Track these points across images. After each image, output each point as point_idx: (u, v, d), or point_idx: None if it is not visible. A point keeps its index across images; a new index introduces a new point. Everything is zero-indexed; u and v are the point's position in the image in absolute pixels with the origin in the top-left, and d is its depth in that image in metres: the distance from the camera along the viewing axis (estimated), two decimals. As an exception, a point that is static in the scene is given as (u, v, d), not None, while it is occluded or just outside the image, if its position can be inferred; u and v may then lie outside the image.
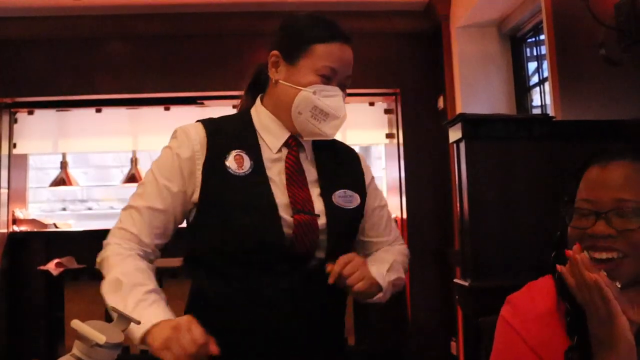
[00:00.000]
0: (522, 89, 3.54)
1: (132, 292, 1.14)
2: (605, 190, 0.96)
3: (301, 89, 1.29)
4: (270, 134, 1.36)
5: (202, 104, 4.03)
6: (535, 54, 3.48)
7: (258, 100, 1.41)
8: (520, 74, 3.56)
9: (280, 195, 1.30)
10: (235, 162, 1.29)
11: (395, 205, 4.06)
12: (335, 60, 1.30)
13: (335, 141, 1.47)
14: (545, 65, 3.05)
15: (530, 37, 3.46)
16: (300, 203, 1.30)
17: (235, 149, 1.31)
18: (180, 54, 3.83)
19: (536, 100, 3.44)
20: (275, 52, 1.35)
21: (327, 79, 1.29)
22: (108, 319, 0.79)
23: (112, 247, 1.24)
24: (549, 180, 1.76)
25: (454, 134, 1.86)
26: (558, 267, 0.94)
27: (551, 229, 1.15)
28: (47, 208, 6.50)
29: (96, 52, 3.87)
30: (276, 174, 1.33)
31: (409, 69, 3.96)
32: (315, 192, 1.35)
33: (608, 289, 0.83)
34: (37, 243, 3.89)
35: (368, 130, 4.31)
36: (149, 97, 3.96)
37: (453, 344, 3.67)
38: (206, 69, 3.80)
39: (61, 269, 3.61)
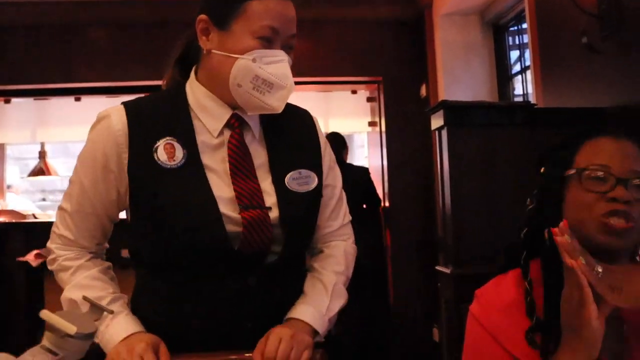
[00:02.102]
0: (504, 77, 3.55)
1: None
2: (623, 160, 0.96)
3: (238, 57, 1.09)
4: (209, 115, 1.15)
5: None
6: (517, 42, 3.49)
7: (192, 75, 1.20)
8: (502, 62, 3.57)
9: (225, 188, 1.12)
10: (166, 153, 1.11)
11: (378, 192, 4.06)
12: (275, 17, 1.09)
13: (287, 106, 1.22)
14: (527, 54, 3.06)
15: (513, 26, 3.46)
16: (248, 196, 1.12)
17: (165, 137, 1.12)
18: (163, 41, 3.72)
19: (518, 89, 3.46)
20: (202, 16, 1.14)
21: (267, 42, 1.09)
22: None
23: (57, 260, 1.16)
24: (530, 167, 1.77)
25: (436, 121, 1.85)
26: (553, 229, 0.92)
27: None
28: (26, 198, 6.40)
29: (75, 39, 3.79)
30: (219, 162, 1.14)
31: (391, 57, 3.94)
32: (266, 178, 1.17)
33: (584, 277, 0.83)
34: (16, 234, 3.83)
35: (350, 119, 4.31)
36: (130, 85, 3.86)
37: (435, 330, 3.70)
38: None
39: (41, 260, 3.55)
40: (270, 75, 1.09)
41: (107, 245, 1.24)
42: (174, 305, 1.14)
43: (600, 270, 0.86)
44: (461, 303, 1.43)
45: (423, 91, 3.88)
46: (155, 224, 1.12)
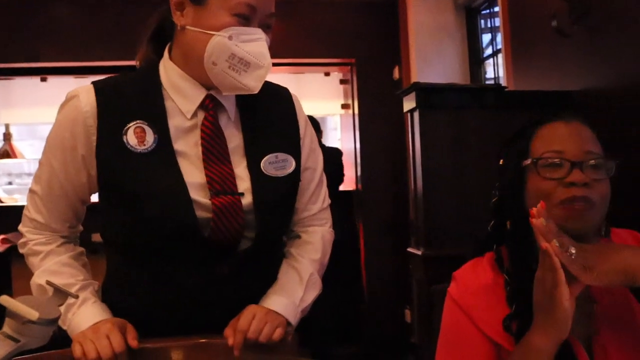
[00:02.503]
0: (476, 60, 3.57)
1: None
2: (575, 143, 0.98)
3: (213, 34, 1.04)
4: (182, 96, 1.11)
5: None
6: (489, 25, 3.51)
7: (166, 54, 1.14)
8: (474, 45, 3.58)
9: (197, 173, 1.09)
10: (136, 137, 1.07)
11: (350, 175, 4.07)
12: None
13: (265, 85, 1.17)
14: (499, 37, 3.08)
15: (485, 9, 3.47)
16: (219, 182, 1.08)
17: (135, 120, 1.07)
18: (134, 20, 3.62)
19: (490, 72, 3.49)
20: None
21: (244, 19, 1.05)
22: None
23: (28, 244, 1.13)
24: (499, 150, 1.79)
25: (408, 103, 1.86)
26: (532, 211, 0.92)
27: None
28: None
29: (41, 17, 3.64)
30: (192, 145, 1.10)
31: (364, 39, 3.91)
32: (240, 162, 1.14)
33: (557, 259, 0.84)
34: (-19, 218, 3.74)
35: (323, 101, 4.29)
36: (98, 66, 3.73)
37: (407, 312, 3.75)
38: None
39: (7, 245, 3.47)
40: (246, 54, 1.05)
41: (81, 228, 1.20)
42: (144, 291, 1.12)
43: (573, 251, 0.87)
44: (432, 284, 1.44)
45: (396, 73, 3.88)
46: (124, 209, 1.09)
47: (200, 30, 1.05)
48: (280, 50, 3.65)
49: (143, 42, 1.19)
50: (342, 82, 4.24)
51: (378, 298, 3.87)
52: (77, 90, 1.10)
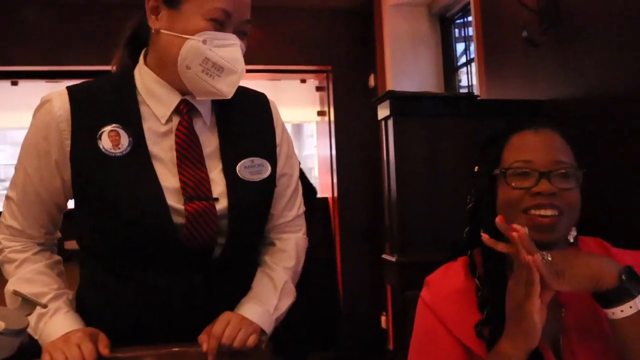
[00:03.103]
0: (450, 69, 3.62)
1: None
2: (544, 152, 0.99)
3: (188, 38, 1.04)
4: (157, 101, 1.11)
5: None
6: (463, 35, 3.56)
7: (141, 59, 1.15)
8: (448, 54, 3.64)
9: (171, 178, 1.09)
10: (110, 140, 1.06)
11: (326, 182, 4.08)
12: (228, 2, 1.06)
13: (242, 91, 1.21)
14: (472, 46, 3.13)
15: (459, 18, 3.53)
16: (193, 187, 1.08)
17: (109, 124, 1.07)
18: (108, 25, 3.58)
19: (464, 80, 3.54)
20: None
21: (219, 24, 1.06)
22: None
23: (3, 251, 1.12)
24: (473, 157, 1.82)
25: (383, 111, 1.87)
26: (483, 236, 0.95)
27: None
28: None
29: (11, 19, 3.57)
30: (166, 150, 1.10)
31: (340, 47, 3.95)
32: (216, 167, 1.14)
33: (537, 274, 0.86)
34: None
35: (300, 108, 4.30)
36: (71, 70, 3.69)
37: (383, 318, 3.76)
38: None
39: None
40: (220, 59, 1.06)
41: (58, 235, 1.19)
42: (119, 298, 1.12)
43: (550, 258, 0.89)
44: (406, 290, 1.46)
45: (372, 81, 3.91)
46: (99, 214, 1.09)
47: (175, 34, 1.06)
48: (257, 57, 3.65)
49: (119, 47, 1.19)
50: (318, 89, 4.26)
51: (354, 304, 3.88)
52: (51, 95, 1.10)
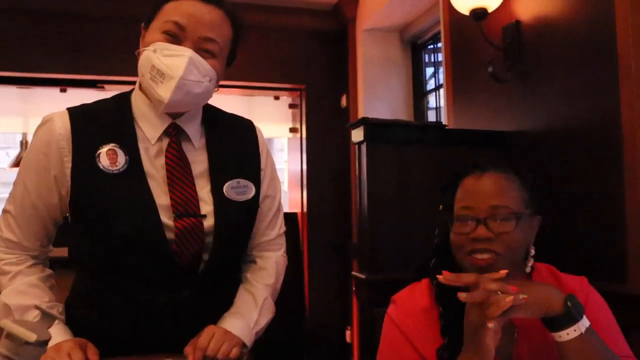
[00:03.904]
0: (419, 93, 3.76)
1: (23, 318, 1.08)
2: (481, 199, 1.08)
3: (144, 49, 1.14)
4: (148, 123, 1.18)
5: (102, 87, 3.85)
6: (433, 60, 3.71)
7: (137, 84, 1.23)
8: (418, 78, 3.78)
9: (163, 195, 1.15)
10: (108, 158, 1.13)
11: (296, 198, 4.15)
12: (182, 15, 1.13)
13: (231, 118, 1.33)
14: (441, 70, 3.27)
15: (430, 44, 3.68)
16: (183, 205, 1.14)
17: (107, 143, 1.14)
18: (81, 34, 3.60)
19: (432, 102, 3.68)
20: (142, 24, 1.21)
21: (172, 37, 1.12)
22: None
23: None
24: (441, 182, 1.92)
25: (357, 135, 1.97)
26: (439, 277, 1.03)
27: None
28: None
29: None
30: (159, 169, 1.17)
31: (315, 67, 4.04)
32: (205, 186, 1.20)
33: (491, 330, 0.94)
34: None
35: (272, 124, 4.36)
36: (43, 77, 3.70)
37: (348, 332, 3.83)
38: (108, 51, 3.61)
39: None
40: (163, 65, 1.10)
41: (51, 248, 1.24)
42: (108, 308, 1.17)
43: (521, 297, 0.95)
44: (375, 307, 1.54)
45: (344, 101, 4.01)
46: (96, 228, 1.14)
47: (142, 49, 1.16)
48: (233, 73, 3.63)
49: None
50: (291, 106, 4.34)
51: (320, 318, 3.93)
52: (52, 115, 1.17)
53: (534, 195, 1.13)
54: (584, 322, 0.94)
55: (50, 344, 1.06)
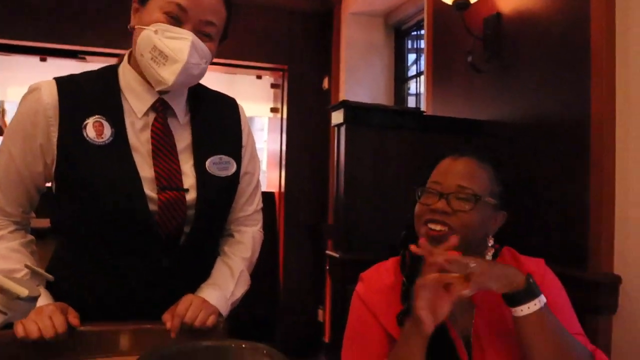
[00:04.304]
0: (401, 78, 3.81)
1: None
2: (451, 177, 1.15)
3: (144, 28, 1.13)
4: (135, 97, 1.20)
5: (84, 59, 3.80)
6: (415, 46, 3.75)
7: (126, 58, 1.24)
8: (400, 64, 3.82)
9: (147, 168, 1.17)
10: (94, 130, 1.14)
11: (274, 178, 4.18)
12: None
13: (215, 95, 1.34)
14: (423, 57, 3.32)
15: (413, 31, 3.71)
16: (166, 178, 1.16)
17: (94, 115, 1.15)
18: (64, 3, 3.56)
19: (412, 88, 3.73)
20: None
21: (174, 19, 1.13)
22: None
23: None
24: (417, 167, 1.98)
25: (336, 117, 2.01)
26: (411, 247, 1.09)
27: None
28: None
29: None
30: (144, 142, 1.19)
31: (298, 48, 4.05)
32: (187, 161, 1.22)
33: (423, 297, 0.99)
34: None
35: (253, 103, 4.37)
36: (22, 45, 3.62)
37: (320, 311, 3.91)
38: (91, 22, 3.57)
39: None
40: (166, 47, 1.12)
41: (33, 215, 1.25)
42: (89, 277, 1.19)
43: (473, 265, 1.01)
44: (347, 284, 1.59)
45: (325, 84, 4.04)
46: (80, 198, 1.15)
47: (139, 26, 1.15)
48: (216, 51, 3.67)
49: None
50: (273, 86, 4.34)
51: (293, 298, 4.00)
52: (39, 84, 1.16)
53: (504, 192, 1.19)
54: (542, 299, 1.01)
55: None
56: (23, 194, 1.20)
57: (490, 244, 1.18)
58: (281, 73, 4.17)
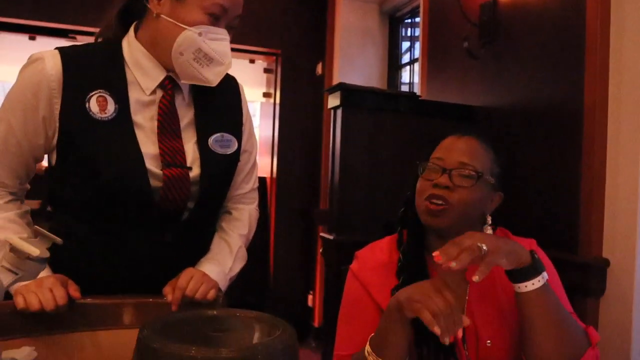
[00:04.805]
0: (394, 66, 3.81)
1: (1, 251, 1.07)
2: (454, 154, 1.17)
3: (186, 28, 1.13)
4: (144, 73, 1.20)
5: (74, 38, 3.75)
6: (409, 34, 3.76)
7: (131, 32, 1.23)
8: (394, 51, 3.83)
9: (150, 145, 1.17)
10: (98, 105, 1.14)
11: (266, 163, 4.18)
12: None
13: None
14: (417, 46, 3.33)
15: (408, 18, 3.72)
16: (171, 155, 1.18)
17: (98, 89, 1.15)
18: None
19: (405, 77, 3.74)
20: None
21: (215, 19, 1.15)
22: None
23: None
24: (411, 150, 2.00)
25: (333, 100, 2.01)
26: (434, 255, 1.02)
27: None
28: None
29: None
30: (148, 119, 1.19)
31: (292, 32, 4.03)
32: (191, 139, 1.24)
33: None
34: None
35: (246, 87, 4.29)
36: (10, 22, 3.56)
37: (310, 297, 3.94)
38: (83, 1, 3.52)
39: None
40: (212, 51, 1.15)
41: (28, 186, 1.25)
42: (90, 250, 1.19)
43: (485, 248, 0.98)
44: (341, 265, 1.61)
45: (319, 69, 4.03)
46: (81, 172, 1.15)
47: (175, 22, 1.14)
48: None
49: (109, 17, 1.26)
50: (266, 70, 4.33)
51: (283, 282, 4.02)
52: (42, 54, 1.15)
53: (502, 174, 1.22)
54: (545, 275, 1.03)
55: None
56: (21, 166, 1.19)
57: (489, 222, 1.20)
58: (274, 58, 4.15)
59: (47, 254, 0.75)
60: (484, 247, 0.97)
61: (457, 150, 1.18)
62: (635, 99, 1.54)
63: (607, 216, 1.60)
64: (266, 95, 4.33)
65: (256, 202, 1.45)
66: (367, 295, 1.19)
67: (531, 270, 1.02)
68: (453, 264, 0.94)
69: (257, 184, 1.45)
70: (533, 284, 1.02)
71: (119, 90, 1.17)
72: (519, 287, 1.03)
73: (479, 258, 0.96)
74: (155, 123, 1.19)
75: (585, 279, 1.58)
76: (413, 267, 1.15)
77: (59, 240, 0.81)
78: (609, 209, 1.60)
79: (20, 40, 3.79)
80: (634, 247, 1.51)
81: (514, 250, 1.02)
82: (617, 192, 1.58)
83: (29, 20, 3.58)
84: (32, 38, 3.79)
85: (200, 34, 1.14)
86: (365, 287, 1.20)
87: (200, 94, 1.28)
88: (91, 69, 1.17)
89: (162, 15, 1.16)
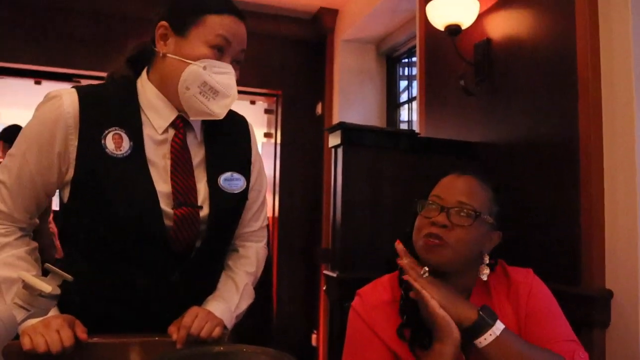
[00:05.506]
0: (392, 104, 3.88)
1: (9, 290, 1.11)
2: (453, 192, 1.19)
3: (190, 63, 1.17)
4: (156, 113, 1.23)
5: (78, 82, 3.84)
6: (407, 73, 3.84)
7: (144, 74, 1.27)
8: (392, 90, 3.90)
9: (162, 183, 1.19)
10: (113, 142, 1.16)
11: (268, 203, 4.19)
12: (229, 31, 1.20)
13: (227, 112, 1.32)
14: (414, 84, 3.40)
15: (405, 58, 3.81)
16: (183, 193, 1.19)
17: (114, 127, 1.17)
18: (60, 27, 3.57)
19: (404, 115, 3.80)
20: (163, 23, 1.22)
21: (219, 52, 1.19)
22: None
23: None
24: (411, 187, 2.02)
25: (334, 139, 2.05)
26: (397, 260, 1.15)
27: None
28: None
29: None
30: (160, 157, 1.21)
31: (292, 74, 4.11)
32: (202, 178, 1.25)
33: (418, 285, 1.10)
34: None
35: (247, 128, 4.40)
36: (17, 68, 3.64)
37: (314, 336, 3.89)
38: (86, 46, 3.62)
39: None
40: (216, 84, 1.18)
41: (37, 221, 1.26)
42: (98, 289, 1.20)
43: (426, 275, 1.11)
44: (344, 302, 1.61)
45: (319, 109, 4.10)
46: (94, 209, 1.16)
47: (179, 58, 1.19)
48: None
49: (120, 61, 1.30)
50: (266, 111, 4.39)
51: (287, 321, 3.99)
52: (60, 92, 1.18)
53: (501, 213, 1.24)
54: (498, 326, 1.05)
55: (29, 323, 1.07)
56: (32, 201, 1.20)
57: (486, 262, 1.22)
58: (275, 98, 4.22)
59: (58, 291, 0.77)
60: (426, 269, 1.11)
61: (456, 189, 1.20)
62: (628, 130, 1.57)
63: (608, 246, 1.61)
64: (267, 135, 4.38)
65: (264, 240, 1.46)
66: (372, 334, 1.20)
67: (478, 327, 1.05)
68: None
69: (266, 222, 1.46)
70: (485, 339, 1.05)
71: (134, 128, 1.20)
72: (476, 344, 1.06)
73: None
74: (168, 161, 1.21)
75: (590, 311, 1.57)
76: (414, 303, 1.15)
77: (69, 277, 0.82)
78: (610, 239, 1.61)
79: (26, 84, 3.87)
80: (637, 276, 1.52)
81: (453, 302, 1.09)
82: (616, 223, 1.60)
83: (35, 66, 3.66)
84: (37, 82, 3.88)
85: (204, 68, 1.17)
86: (369, 326, 1.20)
87: (212, 134, 1.30)
88: (107, 108, 1.20)
89: (169, 54, 1.21)
